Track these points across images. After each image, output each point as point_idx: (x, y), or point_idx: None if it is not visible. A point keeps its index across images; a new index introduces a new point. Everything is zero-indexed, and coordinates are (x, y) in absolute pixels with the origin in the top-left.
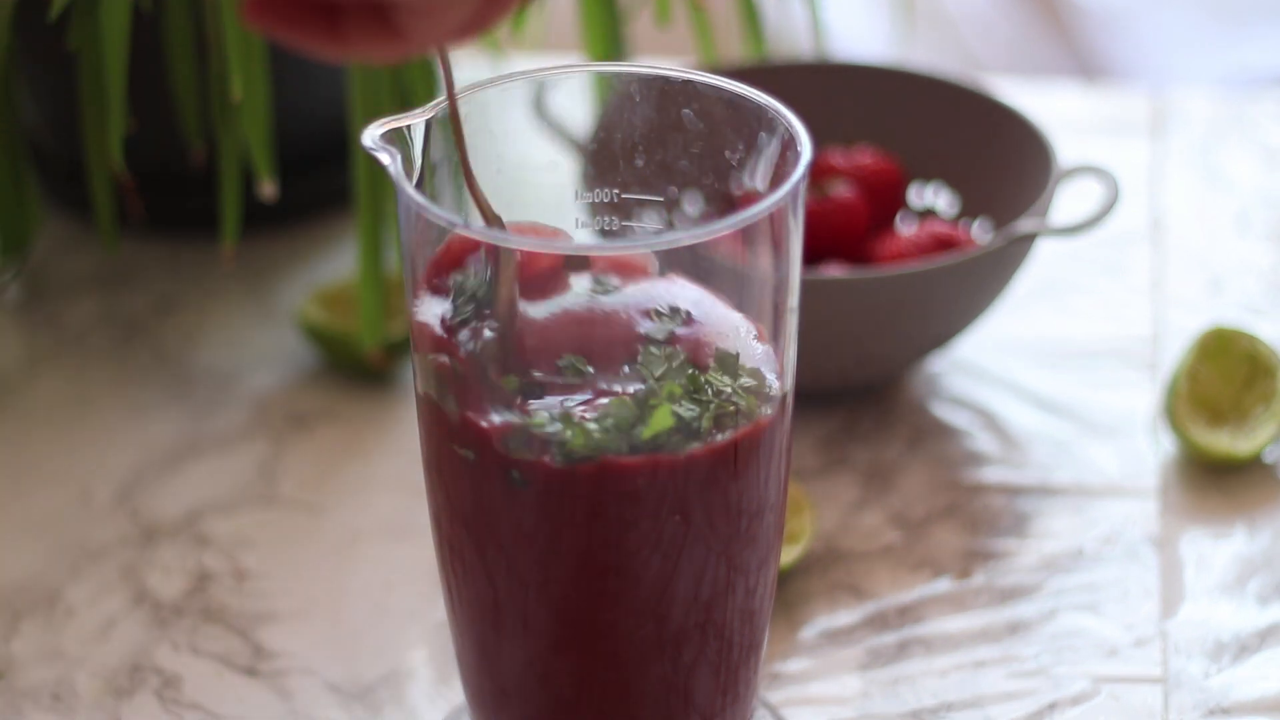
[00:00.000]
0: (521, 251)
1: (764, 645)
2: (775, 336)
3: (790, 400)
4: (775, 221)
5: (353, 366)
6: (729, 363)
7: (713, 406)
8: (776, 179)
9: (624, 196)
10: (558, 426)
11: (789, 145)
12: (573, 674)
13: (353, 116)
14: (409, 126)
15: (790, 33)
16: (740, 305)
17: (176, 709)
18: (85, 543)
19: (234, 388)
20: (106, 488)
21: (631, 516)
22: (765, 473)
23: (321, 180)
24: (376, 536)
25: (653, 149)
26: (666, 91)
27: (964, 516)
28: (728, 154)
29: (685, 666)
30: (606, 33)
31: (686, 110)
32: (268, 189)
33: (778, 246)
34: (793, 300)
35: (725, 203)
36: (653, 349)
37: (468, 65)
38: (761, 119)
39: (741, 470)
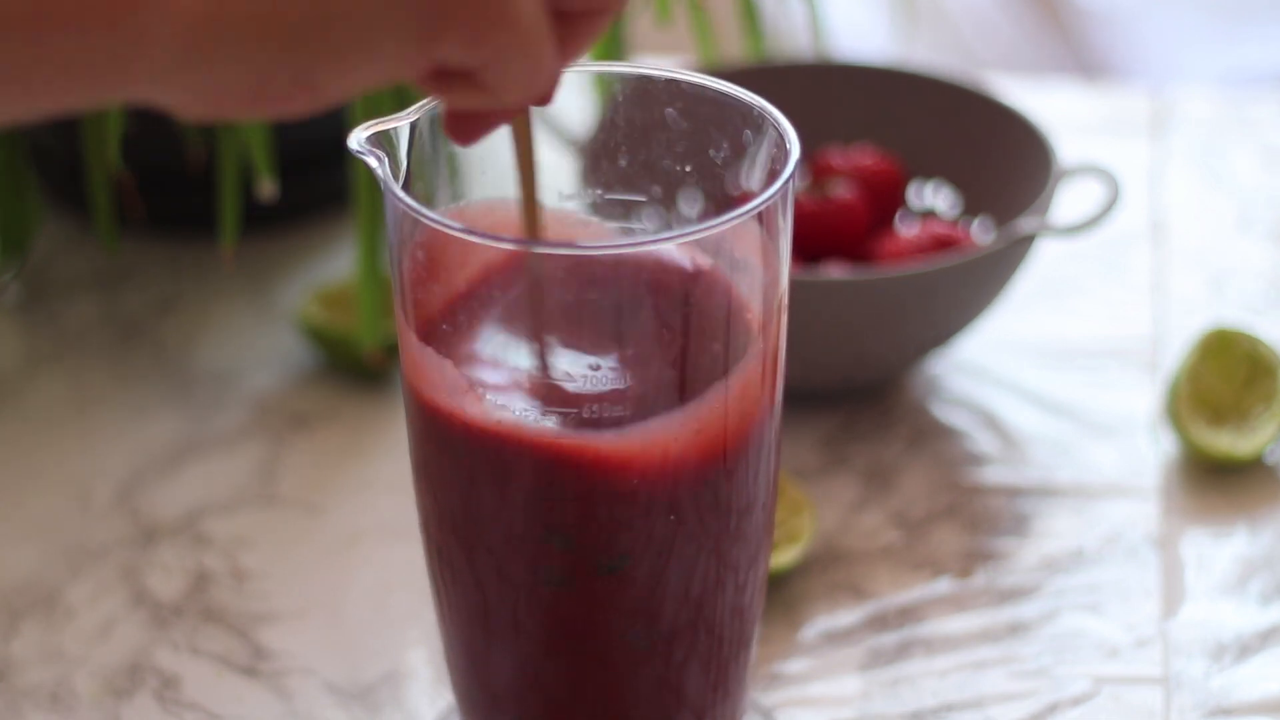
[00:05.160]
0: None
1: (754, 641)
2: (766, 334)
3: (780, 397)
4: (765, 220)
5: (353, 366)
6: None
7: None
8: (771, 178)
9: (621, 196)
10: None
11: (780, 144)
12: (564, 675)
13: (352, 117)
14: (395, 129)
15: (790, 33)
16: (731, 302)
17: (176, 709)
18: (85, 543)
19: (234, 388)
20: (106, 488)
21: (624, 516)
22: (755, 469)
23: (321, 180)
24: (376, 537)
25: (648, 149)
26: (663, 92)
27: (964, 516)
28: (722, 153)
29: (676, 665)
30: (606, 32)
31: (681, 111)
32: (267, 189)
33: (768, 245)
34: (783, 299)
35: (721, 202)
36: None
37: None
38: (749, 118)
39: (732, 467)
